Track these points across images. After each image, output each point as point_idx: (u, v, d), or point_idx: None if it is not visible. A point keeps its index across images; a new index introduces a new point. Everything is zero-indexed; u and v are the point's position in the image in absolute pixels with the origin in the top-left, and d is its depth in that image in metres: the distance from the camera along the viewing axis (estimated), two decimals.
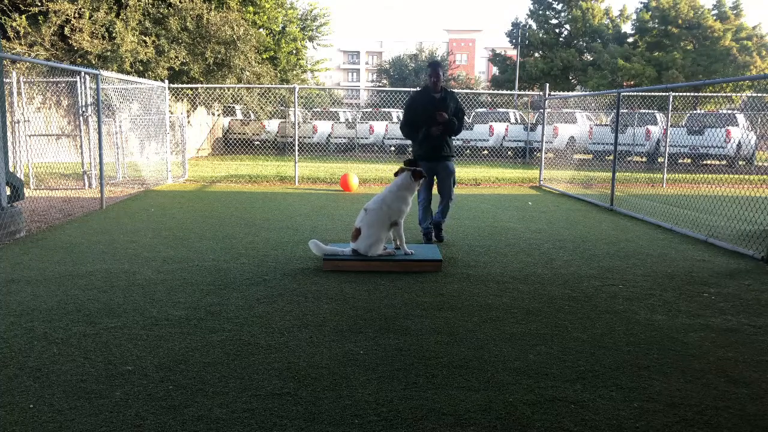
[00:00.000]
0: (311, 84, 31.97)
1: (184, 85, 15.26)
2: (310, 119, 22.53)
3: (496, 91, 29.19)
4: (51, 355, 3.35)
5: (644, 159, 18.53)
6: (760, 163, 17.89)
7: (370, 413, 2.76)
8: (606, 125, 19.52)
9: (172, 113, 14.84)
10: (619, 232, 7.46)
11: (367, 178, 12.95)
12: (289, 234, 6.96)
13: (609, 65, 31.60)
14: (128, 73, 14.89)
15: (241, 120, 22.72)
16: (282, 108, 23.76)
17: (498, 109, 22.74)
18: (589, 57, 35.35)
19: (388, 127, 21.82)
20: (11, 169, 8.32)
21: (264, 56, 22.91)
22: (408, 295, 4.58)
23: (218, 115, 22.92)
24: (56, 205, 8.65)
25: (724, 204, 8.63)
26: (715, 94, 25.28)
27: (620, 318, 4.15)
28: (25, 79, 11.85)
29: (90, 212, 8.30)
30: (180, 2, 16.63)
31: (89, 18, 15.38)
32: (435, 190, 6.68)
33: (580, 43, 36.15)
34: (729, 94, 25.03)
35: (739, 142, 15.96)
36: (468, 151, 20.46)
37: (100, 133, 9.05)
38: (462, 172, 13.07)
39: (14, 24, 14.54)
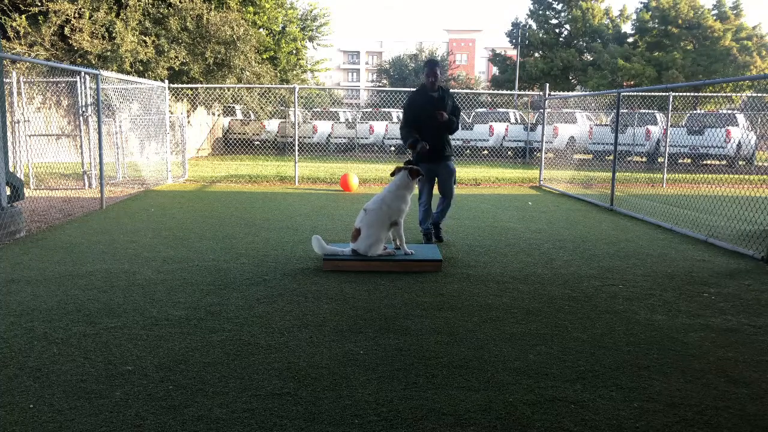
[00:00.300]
0: (311, 84, 31.97)
1: (184, 85, 15.26)
2: (310, 119, 22.53)
3: (496, 91, 29.19)
4: (51, 355, 3.35)
5: (644, 159, 18.53)
6: (760, 163, 17.89)
7: (370, 413, 2.76)
8: (606, 125, 19.52)
9: (172, 113, 14.84)
10: (619, 232, 7.46)
11: (367, 178, 12.95)
12: (289, 234, 6.96)
13: (609, 65, 31.60)
14: (128, 73, 14.89)
15: (241, 120, 22.72)
16: (282, 108, 23.76)
17: (498, 109, 22.75)
18: (589, 57, 35.36)
19: (388, 127, 21.82)
20: (11, 169, 8.32)
21: (264, 56, 22.91)
22: (408, 295, 4.58)
23: (218, 115, 22.92)
24: (56, 205, 8.65)
25: (724, 204, 8.63)
26: (715, 94, 25.28)
27: (620, 318, 4.15)
28: (25, 79, 11.85)
29: (90, 212, 8.30)
30: (180, 2, 16.63)
31: (89, 18, 15.38)
32: (435, 190, 6.67)
33: (580, 43, 36.15)
34: (729, 94, 25.02)
35: (739, 142, 15.96)
36: (468, 151, 20.47)
37: (100, 133, 9.05)
38: (462, 172, 13.06)
39: (14, 24, 14.55)
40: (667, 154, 13.59)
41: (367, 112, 24.34)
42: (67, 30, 15.22)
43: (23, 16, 14.65)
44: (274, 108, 23.33)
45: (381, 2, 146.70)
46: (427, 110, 6.31)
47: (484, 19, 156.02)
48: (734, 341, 3.74)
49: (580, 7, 35.11)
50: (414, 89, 7.11)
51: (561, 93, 22.76)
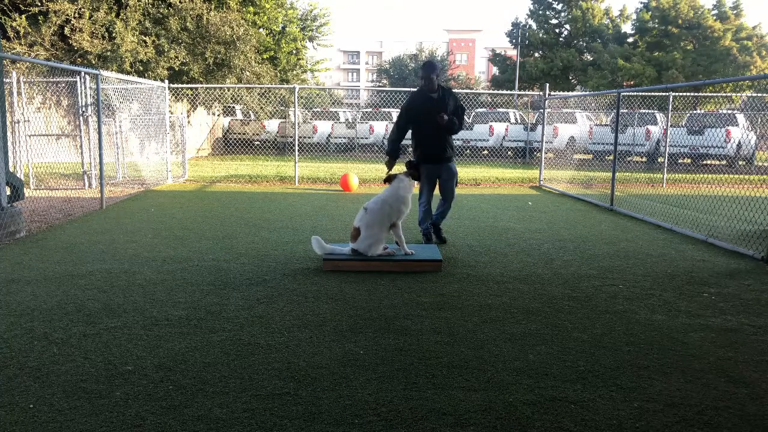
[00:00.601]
0: (311, 84, 31.98)
1: (184, 85, 15.26)
2: (310, 119, 22.53)
3: (496, 91, 29.18)
4: (51, 355, 3.35)
5: (644, 159, 18.53)
6: (760, 163, 17.88)
7: (370, 413, 2.76)
8: (606, 125, 19.52)
9: (172, 113, 14.84)
10: (619, 232, 7.46)
11: (367, 178, 12.95)
12: (289, 234, 6.96)
13: (609, 65, 31.60)
14: (128, 73, 14.89)
15: (241, 120, 22.72)
16: (282, 108, 23.77)
17: (498, 109, 22.74)
18: (589, 57, 35.36)
19: (388, 127, 21.81)
20: (11, 169, 8.32)
21: (264, 56, 22.91)
22: (408, 295, 4.58)
23: (218, 115, 22.92)
24: (56, 205, 8.65)
25: (724, 204, 8.63)
26: (715, 94, 25.28)
27: (620, 318, 4.15)
28: (25, 79, 11.86)
29: (90, 212, 8.30)
30: (180, 2, 16.64)
31: (89, 18, 15.39)
32: (436, 190, 6.66)
33: (580, 43, 36.15)
34: (729, 94, 25.02)
35: (739, 142, 15.96)
36: (468, 151, 20.46)
37: (100, 133, 9.05)
38: (462, 172, 13.04)
39: (14, 24, 14.55)
40: (667, 154, 13.60)
41: (367, 112, 24.34)
42: (67, 30, 15.22)
43: (23, 16, 14.65)
44: (274, 108, 23.33)
45: (381, 2, 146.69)
46: (427, 112, 6.16)
47: (484, 19, 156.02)
48: (734, 341, 3.74)
49: (580, 7, 35.11)
50: (414, 89, 6.98)
51: (561, 93, 22.76)
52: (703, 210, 8.82)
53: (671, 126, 15.21)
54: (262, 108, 22.00)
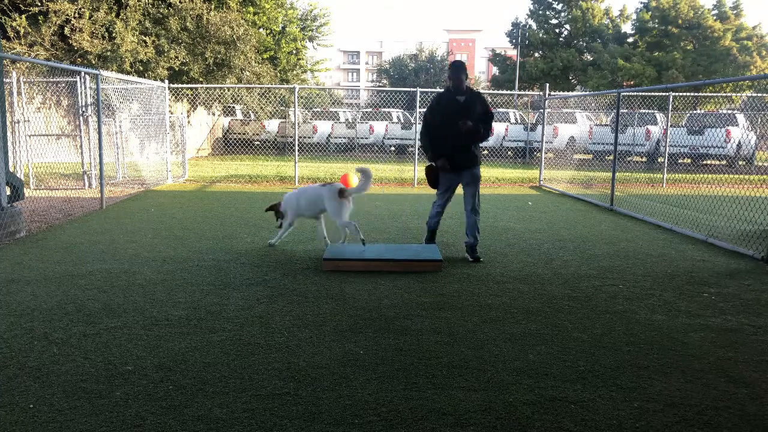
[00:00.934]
0: (311, 84, 31.98)
1: (184, 85, 15.26)
2: (310, 119, 22.53)
3: (496, 91, 29.18)
4: (51, 355, 3.35)
5: (644, 159, 18.53)
6: (760, 163, 17.88)
7: (370, 413, 2.76)
8: (606, 125, 19.52)
9: (172, 113, 14.84)
10: (619, 232, 7.46)
11: None
12: (290, 234, 6.95)
13: (609, 65, 31.59)
14: (128, 73, 14.89)
15: (241, 120, 22.72)
16: (282, 108, 23.76)
17: (498, 109, 22.75)
18: (589, 57, 35.35)
19: (388, 127, 21.82)
20: (11, 169, 8.32)
21: (264, 56, 22.91)
22: (408, 295, 4.58)
23: (218, 115, 22.92)
24: (56, 205, 8.65)
25: (724, 204, 8.63)
26: (715, 94, 25.28)
27: (620, 318, 4.15)
28: (25, 79, 11.86)
29: (90, 212, 8.30)
30: (180, 2, 16.64)
31: (89, 18, 15.39)
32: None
33: (580, 43, 36.15)
34: (729, 94, 25.02)
35: (739, 142, 15.96)
36: None
37: (100, 133, 9.05)
38: None
39: (14, 24, 14.55)
40: (667, 154, 13.60)
41: (367, 112, 24.34)
42: (67, 30, 15.22)
43: (23, 16, 14.65)
44: (274, 108, 23.33)
45: (381, 2, 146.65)
46: (450, 115, 5.66)
47: (484, 19, 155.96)
48: (734, 341, 3.74)
49: (580, 7, 35.11)
50: (440, 91, 6.39)
51: (561, 93, 22.75)
52: (703, 210, 8.82)
53: (671, 126, 15.21)
54: (262, 108, 22.00)
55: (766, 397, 3.00)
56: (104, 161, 9.17)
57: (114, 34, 15.45)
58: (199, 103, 20.21)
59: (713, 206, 8.84)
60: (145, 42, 16.03)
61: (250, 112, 22.53)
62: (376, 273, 5.18)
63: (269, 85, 19.60)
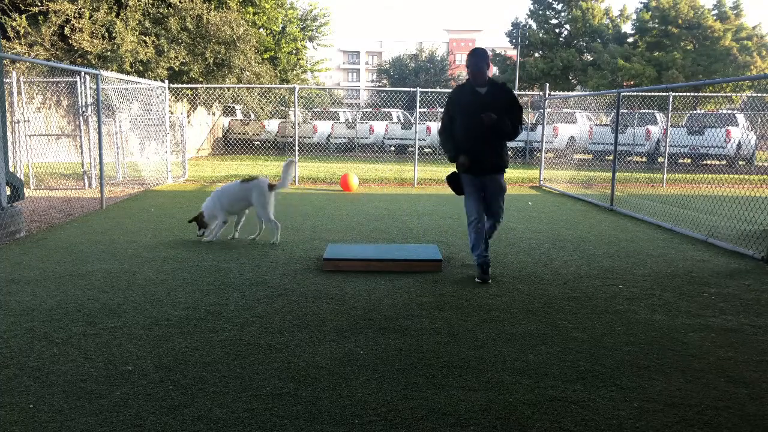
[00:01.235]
0: (311, 84, 31.98)
1: (184, 85, 15.27)
2: (310, 119, 22.53)
3: None
4: (51, 355, 3.35)
5: (644, 159, 18.54)
6: (760, 163, 17.88)
7: (370, 413, 2.76)
8: (606, 125, 19.52)
9: (172, 113, 14.85)
10: (619, 232, 7.46)
11: (367, 178, 12.95)
12: (289, 234, 6.96)
13: (609, 65, 31.58)
14: (128, 73, 14.90)
15: (241, 120, 22.72)
16: (282, 108, 23.76)
17: None
18: (589, 57, 35.33)
19: (388, 127, 21.81)
20: (11, 169, 8.32)
21: (264, 56, 22.92)
22: (408, 295, 4.58)
23: (218, 115, 22.93)
24: (56, 205, 8.65)
25: (724, 204, 8.63)
26: (715, 94, 25.27)
27: (620, 318, 4.15)
28: (25, 79, 11.86)
29: (90, 212, 8.30)
30: (180, 2, 16.64)
31: (89, 18, 15.39)
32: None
33: (580, 43, 36.13)
34: (729, 94, 25.02)
35: (739, 142, 15.96)
36: None
37: (100, 133, 9.05)
38: None
39: (14, 24, 14.56)
40: (667, 154, 13.60)
41: (367, 112, 24.34)
42: (67, 30, 15.23)
43: (23, 16, 14.66)
44: (274, 108, 23.33)
45: (381, 2, 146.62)
46: (470, 109, 4.94)
47: (484, 19, 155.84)
48: (734, 341, 3.74)
49: (580, 7, 35.10)
50: (457, 84, 5.52)
51: (561, 93, 22.76)
52: (703, 210, 8.82)
53: (671, 126, 15.21)
54: (262, 108, 22.00)
55: (766, 397, 3.00)
56: (104, 161, 9.17)
57: (114, 34, 15.46)
58: (199, 103, 20.22)
59: (713, 206, 8.84)
60: (145, 42, 16.04)
61: (250, 112, 22.54)
62: (376, 273, 5.18)
63: (269, 85, 19.60)
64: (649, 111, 18.72)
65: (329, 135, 22.09)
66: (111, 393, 2.91)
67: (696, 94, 23.00)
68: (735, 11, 31.09)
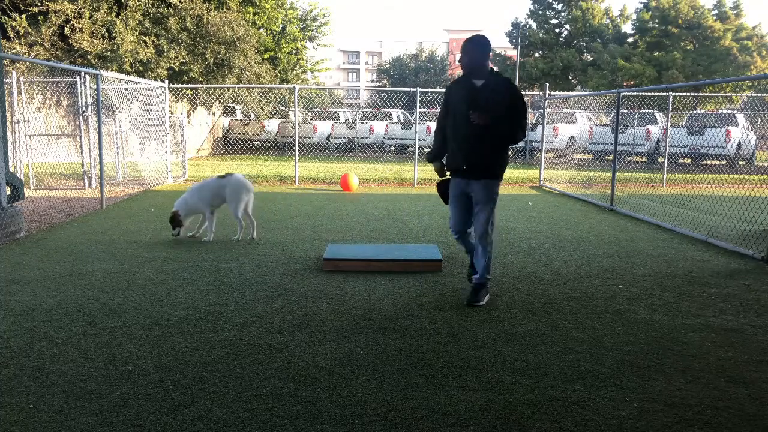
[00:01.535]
0: (311, 84, 31.97)
1: (184, 85, 15.26)
2: (310, 119, 22.53)
3: None
4: (51, 355, 3.35)
5: (644, 159, 18.54)
6: (760, 163, 17.88)
7: (370, 413, 2.76)
8: (606, 125, 19.52)
9: (172, 113, 14.85)
10: (619, 232, 7.46)
11: (367, 178, 12.95)
12: (289, 234, 6.96)
13: (609, 65, 31.58)
14: (128, 73, 14.90)
15: (241, 120, 22.73)
16: (282, 108, 23.76)
17: None
18: (589, 57, 35.33)
19: (388, 127, 21.82)
20: (11, 169, 8.32)
21: (264, 56, 22.91)
22: (408, 295, 4.58)
23: (218, 115, 22.93)
24: (56, 205, 8.65)
25: (724, 204, 8.63)
26: (715, 94, 25.27)
27: (620, 318, 4.15)
28: (25, 79, 11.86)
29: (90, 212, 8.30)
30: (180, 2, 16.64)
31: (89, 18, 15.39)
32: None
33: (580, 43, 36.13)
34: (729, 94, 25.02)
35: (739, 142, 15.96)
36: None
37: (100, 133, 9.05)
38: None
39: (14, 24, 14.56)
40: (667, 154, 13.60)
41: (367, 112, 24.34)
42: (67, 30, 15.23)
43: (23, 16, 14.66)
44: (274, 108, 23.32)
45: (381, 2, 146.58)
46: (461, 105, 4.30)
47: (484, 19, 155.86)
48: (734, 341, 3.74)
49: (580, 7, 35.10)
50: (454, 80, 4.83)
51: (561, 93, 22.75)
52: (703, 210, 8.82)
53: (671, 126, 15.21)
54: (262, 108, 22.00)
55: (766, 397, 3.00)
56: (104, 161, 9.17)
57: (114, 34, 15.46)
58: (199, 103, 20.22)
59: (713, 206, 8.84)
60: (145, 42, 16.04)
61: (250, 112, 22.53)
62: (376, 273, 5.18)
63: (269, 85, 19.60)
64: (649, 111, 18.72)
65: (329, 135, 22.09)
66: (111, 393, 2.91)
67: (696, 94, 23.00)
68: (735, 11, 31.09)
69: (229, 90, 20.01)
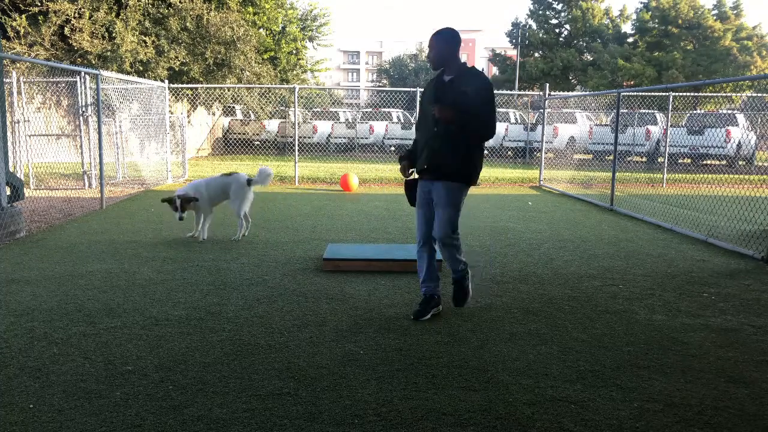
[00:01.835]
0: (311, 84, 31.97)
1: (184, 85, 15.26)
2: (310, 119, 22.53)
3: (496, 91, 29.11)
4: (51, 355, 3.35)
5: (644, 159, 18.54)
6: (760, 163, 17.88)
7: (370, 413, 2.76)
8: (606, 125, 19.52)
9: (172, 113, 14.85)
10: (619, 232, 7.46)
11: (367, 178, 12.95)
12: (289, 234, 6.96)
13: (609, 65, 31.58)
14: (128, 73, 14.89)
15: (241, 120, 22.73)
16: (282, 108, 23.75)
17: (498, 109, 22.68)
18: (589, 57, 35.33)
19: (388, 127, 21.81)
20: (11, 169, 8.32)
21: (264, 56, 22.91)
22: (408, 295, 4.58)
23: (218, 115, 22.93)
24: (56, 205, 8.65)
25: (724, 204, 8.63)
26: (715, 94, 25.27)
27: (620, 318, 4.14)
28: (25, 79, 11.86)
29: (90, 212, 8.30)
30: (180, 2, 16.64)
31: (89, 18, 15.39)
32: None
33: (580, 43, 36.14)
34: (729, 94, 25.02)
35: (739, 142, 15.96)
36: None
37: (100, 133, 9.05)
38: None
39: (14, 24, 14.55)
40: (667, 154, 13.60)
41: (367, 112, 24.34)
42: (67, 30, 15.22)
43: (23, 16, 14.66)
44: (274, 108, 23.32)
45: (381, 2, 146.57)
46: (427, 102, 4.06)
47: (484, 19, 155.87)
48: (734, 341, 3.74)
49: (580, 7, 35.10)
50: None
51: (561, 93, 22.75)
52: (703, 210, 8.82)
53: (671, 126, 15.21)
54: (262, 108, 22.00)
55: (766, 397, 3.00)
56: (104, 161, 9.17)
57: (114, 34, 15.46)
58: (199, 103, 20.22)
59: (713, 206, 8.84)
60: (145, 42, 16.03)
61: (250, 112, 22.53)
62: (376, 273, 5.18)
63: (269, 85, 19.60)
64: (649, 111, 18.72)
65: (329, 135, 22.09)
66: (111, 393, 2.91)
67: (696, 94, 23.00)
68: (735, 11, 31.09)
69: (229, 90, 20.01)
